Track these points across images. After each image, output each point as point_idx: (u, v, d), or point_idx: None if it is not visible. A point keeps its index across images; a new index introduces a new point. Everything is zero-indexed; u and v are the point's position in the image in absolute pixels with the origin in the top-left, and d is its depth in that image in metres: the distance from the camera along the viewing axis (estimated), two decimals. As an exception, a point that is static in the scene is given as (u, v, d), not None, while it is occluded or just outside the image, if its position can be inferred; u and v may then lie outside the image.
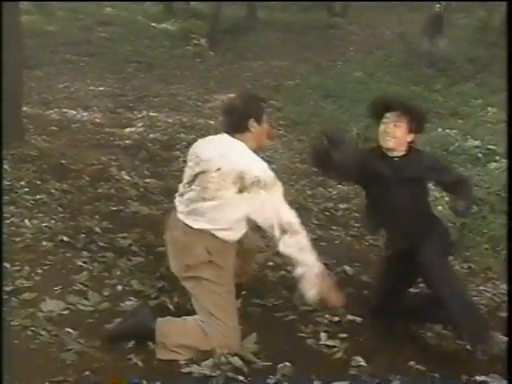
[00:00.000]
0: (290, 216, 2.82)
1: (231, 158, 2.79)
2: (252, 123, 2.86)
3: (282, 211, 2.81)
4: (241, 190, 2.76)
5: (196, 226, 2.83)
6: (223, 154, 2.81)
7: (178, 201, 2.98)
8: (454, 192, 3.12)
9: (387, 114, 3.07)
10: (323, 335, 3.09)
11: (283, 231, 2.78)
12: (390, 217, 3.11)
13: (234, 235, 2.87)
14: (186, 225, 2.85)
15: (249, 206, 2.79)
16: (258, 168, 2.79)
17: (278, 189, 2.82)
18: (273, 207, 2.78)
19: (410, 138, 3.08)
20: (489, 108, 8.97)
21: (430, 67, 11.46)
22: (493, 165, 5.70)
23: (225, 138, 2.91)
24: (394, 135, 3.04)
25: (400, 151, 3.08)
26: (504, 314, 3.44)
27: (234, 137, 2.87)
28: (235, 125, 2.89)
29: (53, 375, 2.51)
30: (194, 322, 2.82)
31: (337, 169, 3.06)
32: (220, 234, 2.82)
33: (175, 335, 2.77)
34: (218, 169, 2.78)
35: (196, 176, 2.88)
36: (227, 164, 2.78)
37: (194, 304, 2.88)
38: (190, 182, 2.91)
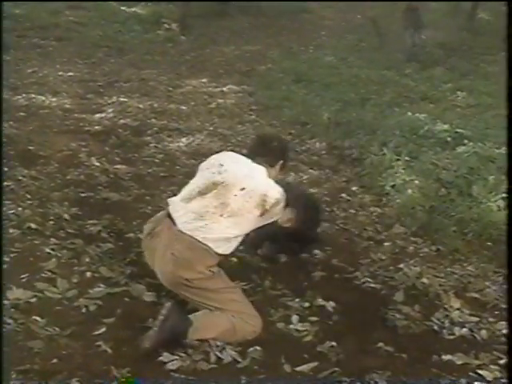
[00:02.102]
0: None
1: (256, 179, 2.92)
2: (279, 164, 3.08)
3: None
4: (262, 214, 2.88)
5: (203, 241, 2.82)
6: (248, 174, 2.92)
7: (179, 208, 2.93)
8: None
9: None
10: (295, 318, 3.11)
11: None
12: None
13: (231, 248, 2.94)
14: (193, 239, 2.82)
15: (263, 223, 2.96)
16: (278, 191, 2.94)
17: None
18: None
19: None
20: (458, 92, 9.06)
21: (416, 60, 11.40)
22: (461, 148, 5.74)
23: (249, 162, 3.03)
24: None
25: None
26: (471, 295, 3.52)
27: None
28: (266, 158, 3.04)
29: (19, 364, 2.48)
30: (225, 317, 2.82)
31: None
32: (220, 250, 2.86)
33: (206, 330, 2.78)
34: (243, 188, 2.86)
35: (214, 186, 2.89)
36: (252, 184, 2.88)
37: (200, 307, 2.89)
38: (204, 192, 2.89)
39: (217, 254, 2.86)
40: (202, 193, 2.90)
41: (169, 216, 2.94)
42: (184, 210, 2.89)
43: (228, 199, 2.84)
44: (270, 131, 3.49)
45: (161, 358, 2.65)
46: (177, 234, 2.85)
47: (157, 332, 2.66)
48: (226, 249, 2.90)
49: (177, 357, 2.66)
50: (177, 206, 2.95)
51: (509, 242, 3.42)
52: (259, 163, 3.02)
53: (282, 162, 3.09)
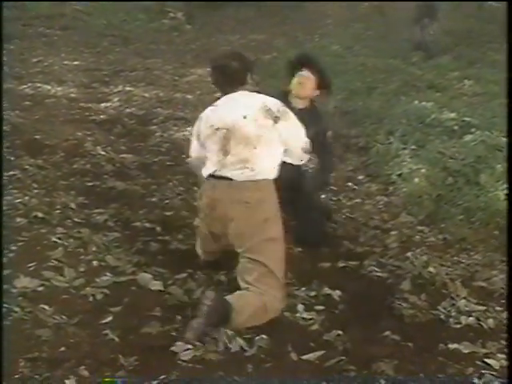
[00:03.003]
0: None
1: (245, 101, 2.99)
2: (249, 77, 3.07)
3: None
4: (275, 121, 2.94)
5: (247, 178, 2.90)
6: (235, 105, 2.98)
7: (218, 173, 2.95)
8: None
9: (303, 70, 3.82)
10: (300, 307, 3.11)
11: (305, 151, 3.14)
12: None
13: (274, 171, 2.99)
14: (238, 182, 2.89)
15: (285, 134, 2.97)
16: (276, 101, 3.03)
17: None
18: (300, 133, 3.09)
19: (315, 93, 3.87)
20: (465, 81, 8.97)
21: (423, 49, 11.21)
22: (468, 137, 5.71)
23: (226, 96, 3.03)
24: (306, 86, 3.80)
25: (303, 105, 3.81)
26: (478, 284, 3.51)
27: None
28: (235, 81, 3.02)
29: (27, 352, 2.50)
30: (256, 296, 2.85)
31: None
32: (264, 175, 2.92)
33: (242, 312, 2.80)
34: (244, 116, 2.92)
35: (226, 139, 2.93)
36: (246, 107, 2.95)
37: (245, 275, 2.93)
38: (224, 148, 2.93)
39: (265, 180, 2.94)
40: (224, 149, 2.94)
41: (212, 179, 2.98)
42: (220, 165, 2.94)
43: (245, 134, 2.90)
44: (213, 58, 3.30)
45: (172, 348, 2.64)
46: (228, 187, 2.92)
47: (203, 322, 2.66)
48: (269, 173, 2.97)
49: (190, 346, 2.64)
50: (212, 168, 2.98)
51: (509, 231, 3.40)
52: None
53: (249, 73, 3.08)
